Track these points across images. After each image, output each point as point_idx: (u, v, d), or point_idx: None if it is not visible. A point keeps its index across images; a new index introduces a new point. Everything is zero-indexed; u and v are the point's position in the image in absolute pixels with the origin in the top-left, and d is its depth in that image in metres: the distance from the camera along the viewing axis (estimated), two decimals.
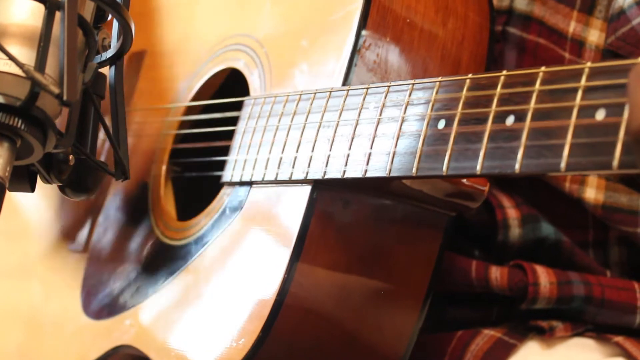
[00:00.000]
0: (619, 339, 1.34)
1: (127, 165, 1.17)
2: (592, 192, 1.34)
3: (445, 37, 1.25)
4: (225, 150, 1.35)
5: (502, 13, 1.39)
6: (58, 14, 0.99)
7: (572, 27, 1.35)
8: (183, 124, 1.49)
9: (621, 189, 1.34)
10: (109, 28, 1.15)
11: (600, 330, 1.36)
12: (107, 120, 1.12)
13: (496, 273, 1.34)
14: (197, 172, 1.45)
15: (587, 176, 1.33)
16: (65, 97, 0.97)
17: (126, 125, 1.17)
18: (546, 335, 1.34)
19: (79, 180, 1.16)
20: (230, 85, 1.45)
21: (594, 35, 1.33)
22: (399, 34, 1.23)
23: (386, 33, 1.22)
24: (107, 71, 1.16)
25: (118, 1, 1.08)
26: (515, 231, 1.37)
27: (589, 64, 0.90)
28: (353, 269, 1.20)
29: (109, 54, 1.13)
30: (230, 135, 1.35)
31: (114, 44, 1.13)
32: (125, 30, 1.09)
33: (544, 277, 1.33)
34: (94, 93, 1.15)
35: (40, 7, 0.99)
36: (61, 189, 1.15)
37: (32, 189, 1.12)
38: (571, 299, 1.33)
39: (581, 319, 1.36)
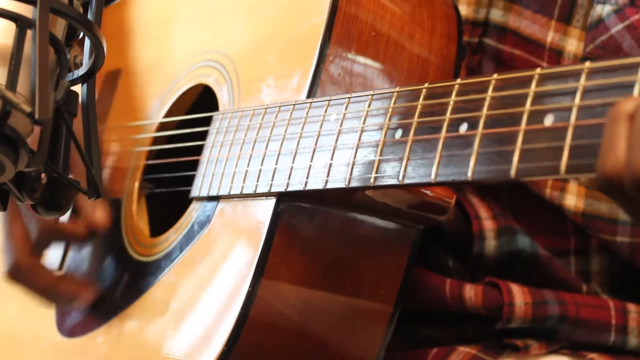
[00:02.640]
0: (594, 355, 1.33)
1: (100, 183, 1.17)
2: (573, 200, 1.34)
3: (411, 50, 1.25)
4: (196, 166, 1.35)
5: (479, 25, 1.39)
6: (29, 32, 0.99)
7: (550, 36, 1.35)
8: (156, 141, 1.49)
9: (601, 197, 1.34)
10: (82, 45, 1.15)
11: (575, 348, 1.35)
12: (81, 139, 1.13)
13: (470, 292, 1.34)
14: (168, 188, 1.45)
15: (568, 183, 1.33)
16: (37, 116, 0.97)
17: (99, 143, 1.18)
18: (521, 353, 1.33)
19: (52, 198, 1.15)
20: (205, 101, 1.45)
21: (572, 45, 1.33)
22: (364, 47, 1.23)
23: (351, 46, 1.22)
24: (80, 89, 1.16)
25: (89, 19, 1.09)
26: (491, 243, 1.36)
27: (538, 70, 0.90)
28: (318, 283, 1.20)
29: (80, 72, 1.13)
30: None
31: (86, 62, 1.13)
32: (97, 48, 1.09)
33: (519, 297, 1.33)
34: (66, 111, 1.14)
35: (12, 25, 0.99)
36: (33, 207, 1.15)
37: (4, 208, 1.12)
38: (546, 319, 1.33)
39: (556, 337, 1.35)
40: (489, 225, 1.36)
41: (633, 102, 0.80)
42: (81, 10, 1.11)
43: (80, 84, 1.14)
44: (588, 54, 1.31)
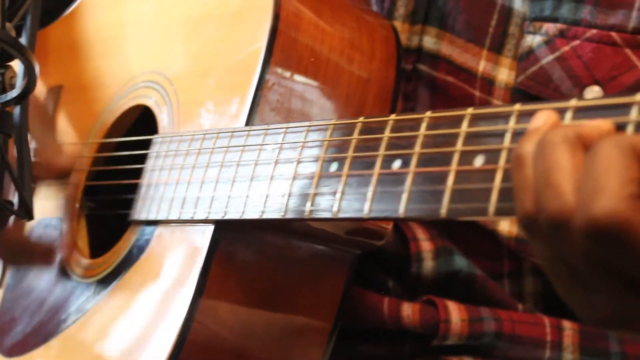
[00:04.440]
0: None
1: (32, 204, 1.17)
2: (506, 225, 1.36)
3: (351, 75, 1.26)
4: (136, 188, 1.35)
5: (412, 52, 1.40)
6: None
7: (482, 65, 1.35)
8: (96, 161, 1.49)
9: None
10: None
11: None
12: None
13: (408, 310, 1.35)
14: (108, 210, 1.44)
15: None
16: None
17: (31, 164, 1.17)
18: None
19: None
20: (147, 122, 1.45)
21: (504, 74, 1.34)
22: (303, 73, 1.23)
23: (290, 72, 1.22)
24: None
25: (21, 42, 1.08)
26: (428, 264, 1.38)
27: (470, 109, 0.91)
28: (256, 306, 1.21)
29: (14, 93, 1.13)
30: None
31: (19, 84, 1.13)
32: (29, 71, 1.09)
33: (456, 314, 1.34)
34: (0, 131, 1.14)
35: None
36: None
37: None
38: (482, 336, 1.34)
39: (492, 354, 1.37)
40: (426, 246, 1.38)
41: (522, 147, 0.81)
42: (14, 33, 1.11)
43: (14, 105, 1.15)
44: (519, 84, 1.32)
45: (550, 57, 1.29)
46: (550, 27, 1.29)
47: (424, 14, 1.40)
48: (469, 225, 1.38)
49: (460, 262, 1.38)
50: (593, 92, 1.26)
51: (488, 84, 1.35)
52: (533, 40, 1.31)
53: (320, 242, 1.22)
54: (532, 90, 1.31)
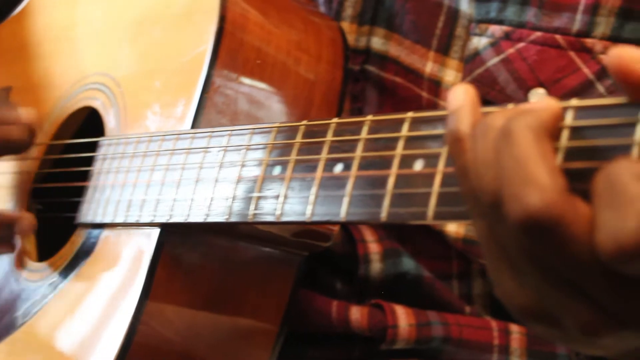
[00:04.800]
0: None
1: None
2: (453, 226, 1.36)
3: (297, 77, 1.26)
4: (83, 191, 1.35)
5: (360, 52, 1.40)
6: None
7: (429, 67, 1.36)
8: (44, 163, 1.48)
9: None
10: None
11: None
12: None
13: (356, 314, 1.35)
14: (56, 213, 1.44)
15: None
16: None
17: None
18: None
19: None
20: (95, 124, 1.44)
21: (451, 75, 1.35)
22: (249, 75, 1.23)
23: (236, 74, 1.22)
24: None
25: None
26: (376, 266, 1.38)
27: (410, 113, 0.91)
28: (202, 309, 1.21)
29: None
30: None
31: None
32: None
33: (403, 318, 1.34)
34: None
35: None
36: None
37: None
38: (430, 340, 1.35)
39: (440, 358, 1.37)
40: (374, 248, 1.38)
41: (459, 128, 0.81)
42: None
43: None
44: None
45: (496, 59, 1.30)
46: (496, 29, 1.30)
47: (372, 15, 1.40)
48: (417, 226, 1.38)
49: (408, 263, 1.39)
50: (537, 95, 1.27)
51: (435, 85, 1.35)
52: (479, 42, 1.32)
53: (266, 245, 1.22)
54: (478, 92, 1.31)
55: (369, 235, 1.39)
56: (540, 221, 0.70)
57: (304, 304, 1.35)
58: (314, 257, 1.29)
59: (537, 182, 0.70)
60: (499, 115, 0.78)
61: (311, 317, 1.37)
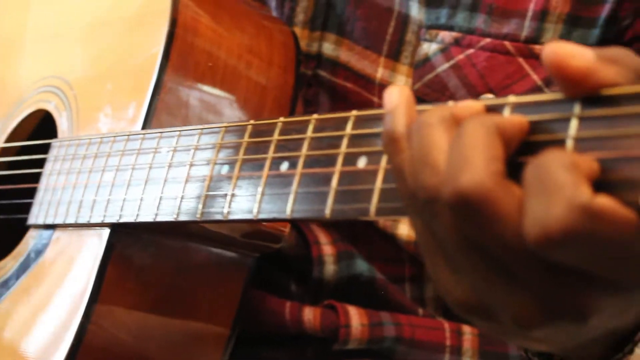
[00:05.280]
0: None
1: None
2: (405, 229, 1.37)
3: (248, 80, 1.27)
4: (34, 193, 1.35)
5: (312, 57, 1.41)
6: None
7: (380, 72, 1.37)
8: None
9: None
10: None
11: None
12: None
13: (309, 315, 1.36)
14: (8, 214, 1.44)
15: None
16: None
17: None
18: None
19: None
20: (48, 127, 1.44)
21: (401, 81, 1.36)
22: (200, 78, 1.24)
23: (187, 77, 1.23)
24: None
25: None
26: (330, 267, 1.39)
27: (354, 112, 0.92)
28: (153, 310, 1.21)
29: None
30: None
31: None
32: None
33: (356, 318, 1.35)
34: None
35: None
36: None
37: None
38: (382, 340, 1.36)
39: (393, 359, 1.38)
40: (328, 250, 1.39)
41: (394, 128, 0.81)
42: None
43: None
44: (416, 91, 1.33)
45: (446, 65, 1.31)
46: (446, 35, 1.31)
47: (323, 20, 1.41)
48: (371, 228, 1.39)
49: (362, 266, 1.40)
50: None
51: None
52: (429, 48, 1.33)
53: (217, 246, 1.23)
54: (428, 98, 1.33)
55: (323, 238, 1.40)
56: (470, 199, 0.71)
57: (257, 304, 1.36)
58: (268, 259, 1.30)
59: (472, 165, 0.71)
60: (433, 113, 0.79)
61: (265, 317, 1.38)
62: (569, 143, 0.72)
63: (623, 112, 0.70)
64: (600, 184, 0.68)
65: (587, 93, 0.72)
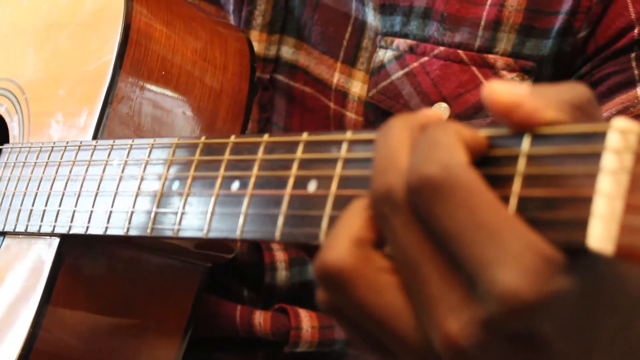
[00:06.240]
0: None
1: None
2: None
3: (203, 88, 1.26)
4: None
5: (270, 61, 1.41)
6: None
7: (336, 78, 1.37)
8: None
9: None
10: None
11: None
12: None
13: (260, 318, 1.37)
14: None
15: None
16: None
17: None
18: None
19: None
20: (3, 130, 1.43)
21: (357, 87, 1.36)
22: (154, 86, 1.23)
23: (140, 86, 1.22)
24: None
25: None
26: (282, 273, 1.39)
27: (305, 135, 0.92)
28: (104, 318, 1.21)
29: None
30: None
31: None
32: None
33: (307, 321, 1.36)
34: None
35: None
36: None
37: None
38: (333, 343, 1.37)
39: None
40: (280, 256, 1.39)
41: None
42: None
43: None
44: (371, 98, 1.33)
45: (400, 73, 1.32)
46: (401, 43, 1.32)
47: (282, 24, 1.41)
48: None
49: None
50: (440, 109, 1.29)
51: (342, 96, 1.37)
52: (384, 55, 1.33)
53: (170, 256, 1.23)
54: (383, 105, 1.33)
55: (275, 244, 1.40)
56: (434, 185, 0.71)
57: (210, 309, 1.36)
58: (221, 265, 1.29)
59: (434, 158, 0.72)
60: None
61: (217, 322, 1.38)
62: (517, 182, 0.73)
63: (555, 152, 0.71)
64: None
65: (520, 127, 0.73)
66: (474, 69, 1.28)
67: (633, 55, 1.25)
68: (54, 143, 1.23)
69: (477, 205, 0.69)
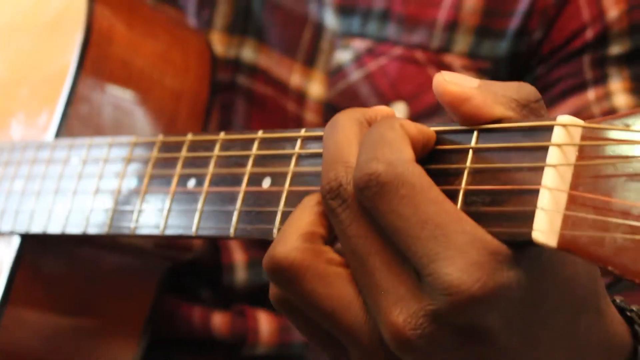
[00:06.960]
0: None
1: None
2: None
3: (163, 89, 1.27)
4: None
5: (231, 62, 1.41)
6: None
7: (295, 79, 1.38)
8: None
9: None
10: None
11: None
12: None
13: (218, 320, 1.37)
14: None
15: None
16: None
17: None
18: None
19: None
20: None
21: (316, 88, 1.37)
22: (114, 87, 1.24)
23: (101, 86, 1.23)
24: None
25: None
26: (240, 274, 1.39)
27: (260, 133, 0.93)
28: (64, 318, 1.21)
29: None
30: None
31: None
32: None
33: (265, 323, 1.36)
34: None
35: None
36: None
37: None
38: (291, 345, 1.37)
39: None
40: (239, 257, 1.40)
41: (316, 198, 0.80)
42: None
43: None
44: (329, 99, 1.34)
45: (358, 74, 1.33)
46: (359, 44, 1.33)
47: (242, 25, 1.41)
48: None
49: None
50: (398, 110, 1.31)
51: (301, 97, 1.37)
52: (342, 56, 1.34)
53: (129, 255, 1.24)
54: (341, 106, 1.33)
55: (234, 244, 1.40)
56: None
57: (168, 310, 1.36)
58: (180, 265, 1.30)
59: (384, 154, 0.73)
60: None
61: (175, 323, 1.38)
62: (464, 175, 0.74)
63: (501, 147, 0.73)
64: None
65: (468, 120, 0.75)
66: (430, 69, 1.30)
67: (585, 58, 1.27)
68: (14, 142, 1.23)
69: (421, 201, 0.71)
